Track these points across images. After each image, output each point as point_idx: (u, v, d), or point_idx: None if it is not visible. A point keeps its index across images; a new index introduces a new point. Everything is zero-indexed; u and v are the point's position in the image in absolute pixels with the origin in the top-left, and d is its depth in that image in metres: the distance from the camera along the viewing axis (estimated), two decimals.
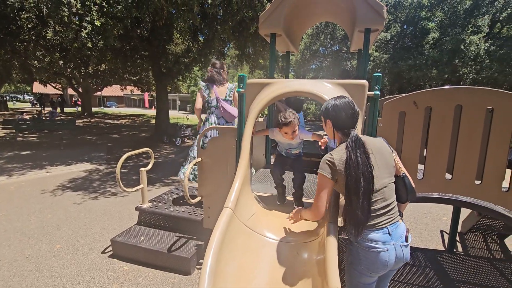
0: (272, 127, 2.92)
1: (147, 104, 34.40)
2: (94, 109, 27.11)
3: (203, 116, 3.63)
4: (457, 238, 3.39)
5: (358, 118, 1.54)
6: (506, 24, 17.33)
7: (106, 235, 3.56)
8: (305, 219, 1.72)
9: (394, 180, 1.53)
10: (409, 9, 19.00)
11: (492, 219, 3.35)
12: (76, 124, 11.08)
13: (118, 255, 3.10)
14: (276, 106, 3.79)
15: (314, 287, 1.52)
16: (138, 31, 9.58)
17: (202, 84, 3.54)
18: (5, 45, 7.70)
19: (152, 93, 25.97)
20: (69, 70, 14.72)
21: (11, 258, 3.08)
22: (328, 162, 1.45)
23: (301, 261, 1.73)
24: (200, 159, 2.56)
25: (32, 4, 5.60)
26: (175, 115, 21.66)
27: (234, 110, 3.50)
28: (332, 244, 1.47)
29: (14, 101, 40.50)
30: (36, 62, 11.75)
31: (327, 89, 2.00)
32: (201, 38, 10.90)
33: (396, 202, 1.53)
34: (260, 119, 4.70)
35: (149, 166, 3.48)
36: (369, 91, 1.96)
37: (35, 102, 32.83)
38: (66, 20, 5.65)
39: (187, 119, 13.41)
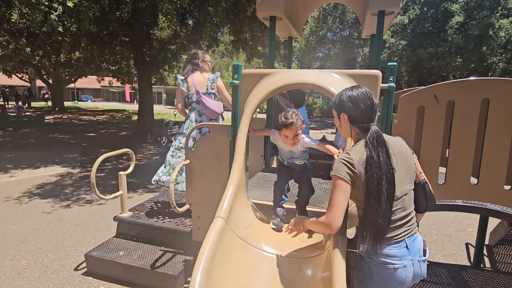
0: (272, 126, 2.91)
1: (128, 98, 34.29)
2: (66, 104, 27.04)
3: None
4: (485, 252, 3.39)
5: (378, 111, 1.52)
6: None
7: (80, 249, 3.55)
8: (308, 232, 1.69)
9: (413, 187, 1.52)
10: None
11: None
12: (46, 121, 11.11)
13: (93, 272, 3.09)
14: (276, 100, 3.79)
15: None
16: (117, 13, 9.57)
17: (179, 77, 3.45)
18: None
19: (134, 85, 25.93)
20: (37, 58, 14.70)
21: None
22: (345, 163, 1.40)
23: (303, 278, 1.72)
24: (188, 161, 2.56)
25: None
26: (161, 110, 21.62)
27: (217, 105, 3.40)
28: (339, 259, 1.47)
29: None
30: None
31: (335, 81, 2.00)
32: (190, 22, 10.90)
33: (414, 212, 1.53)
34: (262, 115, 4.68)
35: (130, 170, 3.47)
36: (383, 82, 1.96)
37: None
38: (34, 1, 5.62)
39: (175, 115, 12.89)
